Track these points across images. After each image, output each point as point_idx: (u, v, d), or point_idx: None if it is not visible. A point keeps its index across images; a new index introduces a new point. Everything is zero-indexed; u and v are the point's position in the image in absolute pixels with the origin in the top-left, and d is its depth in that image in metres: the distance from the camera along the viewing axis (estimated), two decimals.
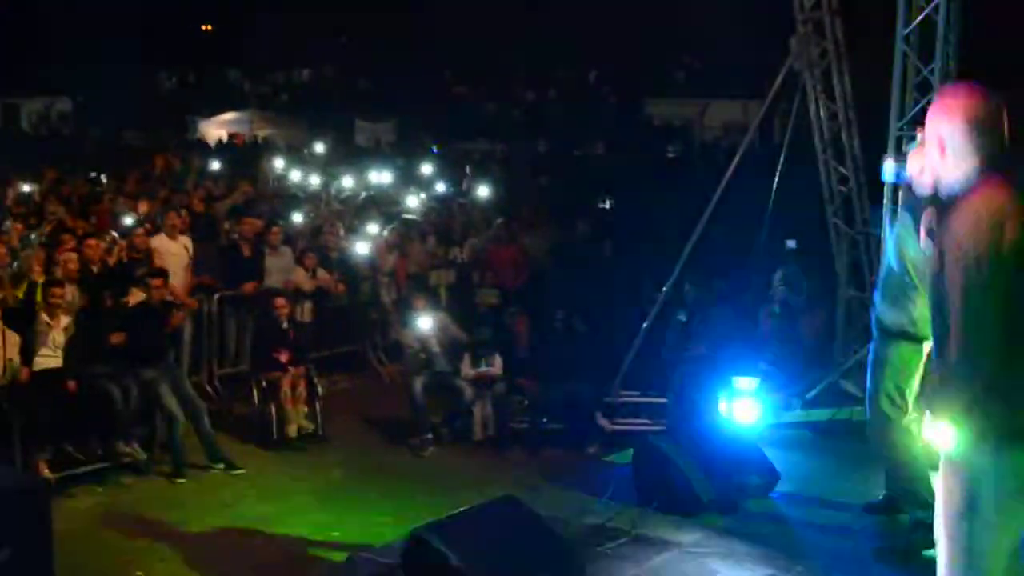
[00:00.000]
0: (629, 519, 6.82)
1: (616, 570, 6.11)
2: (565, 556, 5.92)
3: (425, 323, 12.62)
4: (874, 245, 10.61)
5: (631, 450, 7.72)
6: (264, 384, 11.88)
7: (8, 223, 14.69)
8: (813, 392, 10.12)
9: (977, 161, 3.85)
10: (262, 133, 37.87)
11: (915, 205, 5.56)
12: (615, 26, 34.34)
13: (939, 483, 3.94)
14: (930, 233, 4.32)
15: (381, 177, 24.68)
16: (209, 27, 48.88)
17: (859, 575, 6.19)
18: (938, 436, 3.85)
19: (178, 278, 12.55)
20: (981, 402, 3.67)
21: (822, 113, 11.11)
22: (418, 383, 12.21)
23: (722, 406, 8.72)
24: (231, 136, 37.04)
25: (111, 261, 12.65)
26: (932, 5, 9.30)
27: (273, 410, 11.71)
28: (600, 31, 34.84)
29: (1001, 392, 3.65)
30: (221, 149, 33.50)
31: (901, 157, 5.29)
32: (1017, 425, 3.64)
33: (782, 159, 11.89)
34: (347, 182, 23.48)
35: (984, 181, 3.81)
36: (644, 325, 12.03)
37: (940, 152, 3.91)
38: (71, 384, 10.32)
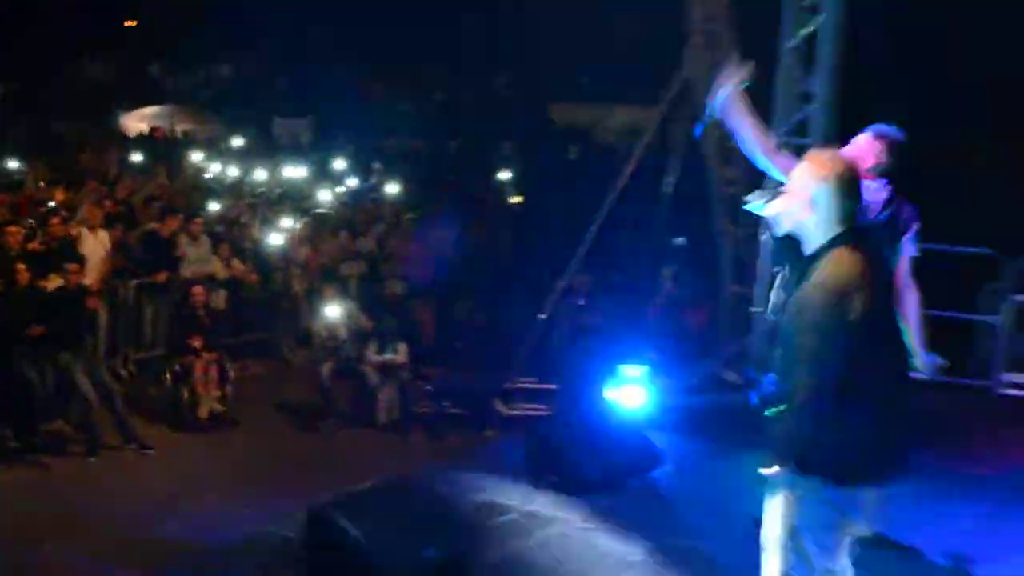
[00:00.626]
0: (520, 497, 6.92)
1: (506, 544, 6.20)
2: (458, 530, 5.99)
3: (334, 312, 12.65)
4: (757, 244, 10.80)
5: (525, 431, 7.83)
6: (177, 368, 11.81)
7: None
8: (696, 379, 10.31)
9: (838, 225, 4.02)
10: (182, 128, 37.42)
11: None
12: (523, 32, 34.43)
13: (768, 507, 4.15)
14: (784, 284, 4.46)
15: (295, 172, 24.57)
16: (133, 22, 48.07)
17: (735, 548, 6.32)
18: (771, 465, 4.01)
19: (95, 270, 12.42)
20: (812, 441, 3.89)
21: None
22: (326, 369, 12.25)
23: (610, 392, 8.87)
24: (152, 130, 36.54)
25: (30, 247, 12.46)
26: (814, 22, 9.52)
27: (186, 393, 11.66)
28: (509, 37, 34.92)
29: (830, 435, 3.86)
30: (142, 142, 33.07)
31: (766, 194, 5.41)
32: (840, 463, 3.85)
33: (676, 162, 12.12)
34: (262, 176, 23.32)
35: (843, 244, 3.98)
36: (541, 316, 12.16)
37: (807, 209, 4.06)
38: None
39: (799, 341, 3.93)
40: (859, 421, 3.88)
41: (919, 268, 4.95)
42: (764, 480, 4.15)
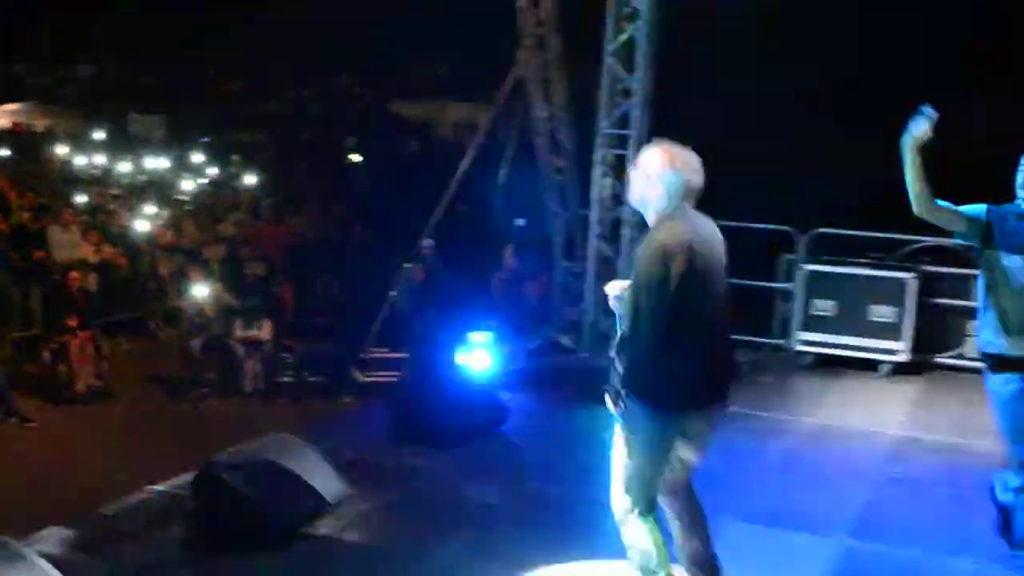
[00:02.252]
0: (386, 452, 7.02)
1: (373, 493, 6.28)
2: (331, 481, 6.05)
3: (200, 292, 12.53)
4: (586, 225, 11.01)
5: (383, 394, 7.91)
6: (55, 346, 11.58)
7: None
8: (535, 344, 10.53)
9: (671, 200, 4.33)
10: (43, 123, 36.14)
11: None
12: (366, 32, 34.25)
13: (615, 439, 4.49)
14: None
15: (158, 163, 24.05)
16: None
17: (575, 488, 6.53)
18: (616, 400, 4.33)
19: None
20: (645, 376, 4.22)
21: (542, 114, 11.48)
22: (195, 344, 12.15)
23: (461, 357, 9.03)
24: (13, 125, 35.18)
25: None
26: (633, 26, 9.80)
27: (63, 369, 11.44)
28: (353, 37, 34.70)
29: (660, 370, 4.20)
30: (4, 137, 31.84)
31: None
32: (668, 393, 4.21)
33: (510, 153, 12.31)
34: (127, 168, 22.77)
35: (672, 216, 4.31)
36: (392, 293, 12.26)
37: (652, 188, 4.36)
38: None
39: (635, 296, 4.23)
40: (682, 360, 4.18)
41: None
42: (610, 417, 4.42)
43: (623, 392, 4.26)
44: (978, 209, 4.98)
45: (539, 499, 6.33)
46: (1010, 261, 4.92)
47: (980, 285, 5.08)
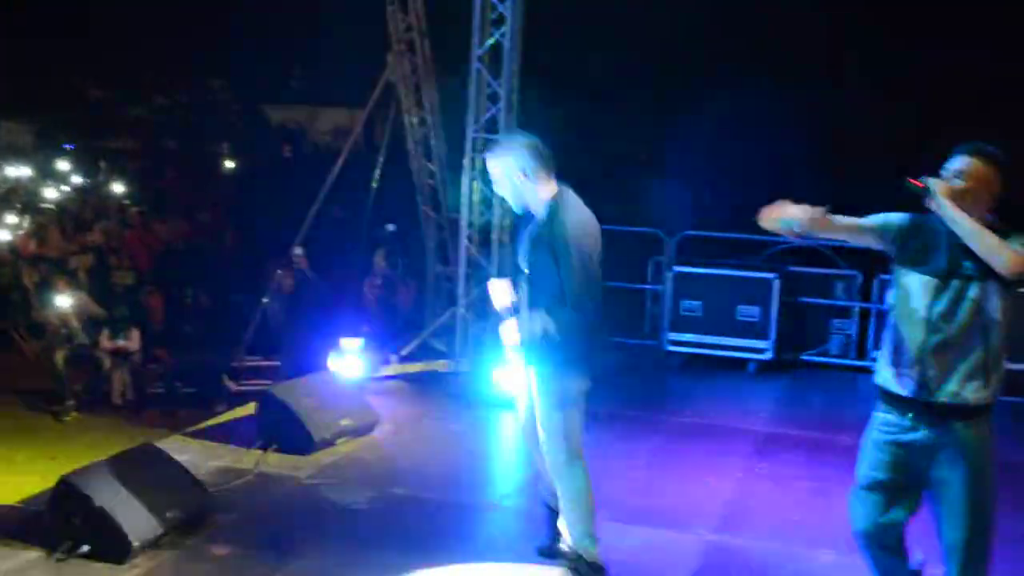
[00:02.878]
0: (253, 460, 6.92)
1: (242, 504, 6.19)
2: (196, 493, 5.95)
3: (65, 302, 12.20)
4: (457, 229, 11.04)
5: (254, 403, 7.80)
6: None
7: None
8: (407, 349, 10.50)
9: (545, 173, 4.79)
10: None
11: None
12: (236, 38, 33.81)
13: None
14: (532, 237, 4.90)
15: (20, 171, 23.33)
16: None
17: (444, 495, 6.54)
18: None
19: None
20: (586, 346, 4.79)
21: (413, 119, 11.47)
22: (60, 356, 11.82)
23: (330, 362, 8.97)
24: None
25: None
26: (500, 32, 9.85)
27: None
28: (223, 42, 34.22)
29: (594, 340, 4.84)
30: None
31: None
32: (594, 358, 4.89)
33: (381, 158, 12.28)
34: None
35: (557, 187, 4.82)
36: (263, 300, 12.12)
37: (521, 178, 4.78)
38: None
39: (567, 273, 4.65)
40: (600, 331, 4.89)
41: None
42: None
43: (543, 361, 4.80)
44: (891, 218, 4.25)
45: (406, 507, 6.30)
46: (909, 280, 4.16)
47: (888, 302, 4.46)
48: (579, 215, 4.80)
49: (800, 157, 16.36)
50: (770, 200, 4.19)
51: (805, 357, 11.15)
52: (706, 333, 10.92)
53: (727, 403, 9.68)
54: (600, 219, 4.92)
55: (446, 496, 6.48)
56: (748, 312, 10.84)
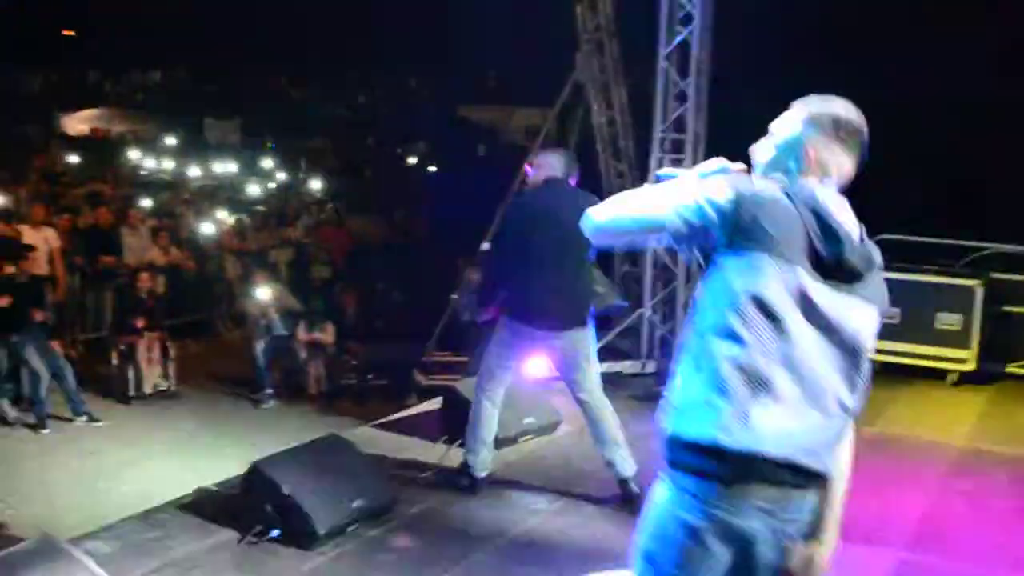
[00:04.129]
0: (438, 454, 7.01)
1: (426, 498, 6.28)
2: (381, 484, 6.06)
3: (265, 294, 12.64)
4: None
5: (440, 397, 7.90)
6: (123, 347, 11.75)
7: None
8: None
9: None
10: (119, 128, 36.83)
11: None
12: (436, 39, 34.51)
13: None
14: None
15: (227, 168, 24.36)
16: (71, 32, 47.08)
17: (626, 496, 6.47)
18: None
19: (41, 260, 12.17)
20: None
21: (602, 119, 11.44)
22: (259, 346, 12.24)
23: None
24: (91, 131, 35.92)
25: None
26: (687, 30, 9.71)
27: (131, 370, 11.60)
28: (421, 42, 34.98)
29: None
30: (82, 142, 32.50)
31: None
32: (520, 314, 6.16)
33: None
34: (197, 172, 23.09)
35: None
36: (453, 296, 12.27)
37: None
38: None
39: None
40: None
41: None
42: None
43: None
44: None
45: (587, 507, 6.27)
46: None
47: None
48: None
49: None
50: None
51: (1011, 369, 10.59)
52: (903, 341, 10.49)
53: (923, 415, 9.27)
54: None
55: (615, 501, 6.41)
56: (948, 320, 10.37)
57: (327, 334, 12.49)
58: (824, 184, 2.83)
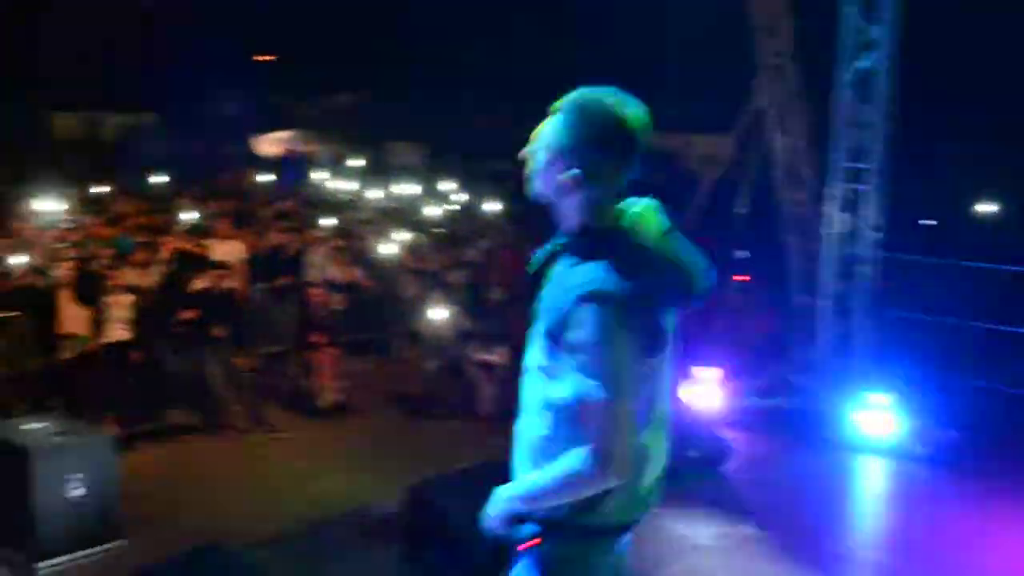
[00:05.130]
0: None
1: None
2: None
3: (441, 315, 12.78)
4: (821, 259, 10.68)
5: None
6: (301, 361, 12.06)
7: (85, 217, 14.91)
8: (762, 382, 10.23)
9: None
10: (306, 149, 38.02)
11: None
12: (614, 65, 34.57)
13: None
14: None
15: (406, 189, 24.82)
16: (269, 57, 49.00)
17: (795, 537, 6.30)
18: None
19: (227, 278, 12.62)
20: None
21: (780, 146, 11.21)
22: (433, 366, 12.37)
23: (685, 391, 8.88)
24: (281, 151, 37.22)
25: (180, 251, 12.78)
26: (870, 57, 9.44)
27: (308, 383, 11.90)
28: (603, 69, 35.08)
29: None
30: (272, 162, 33.72)
31: None
32: None
33: (748, 185, 12.07)
34: (378, 192, 23.60)
35: None
36: None
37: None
38: (135, 355, 10.53)
39: None
40: None
41: None
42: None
43: None
44: None
45: (753, 547, 6.11)
46: None
47: None
48: None
49: None
50: None
51: None
52: None
53: None
54: None
55: (792, 541, 6.23)
56: None
57: (500, 356, 12.54)
58: None
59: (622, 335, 2.84)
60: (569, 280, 3.01)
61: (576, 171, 3.09)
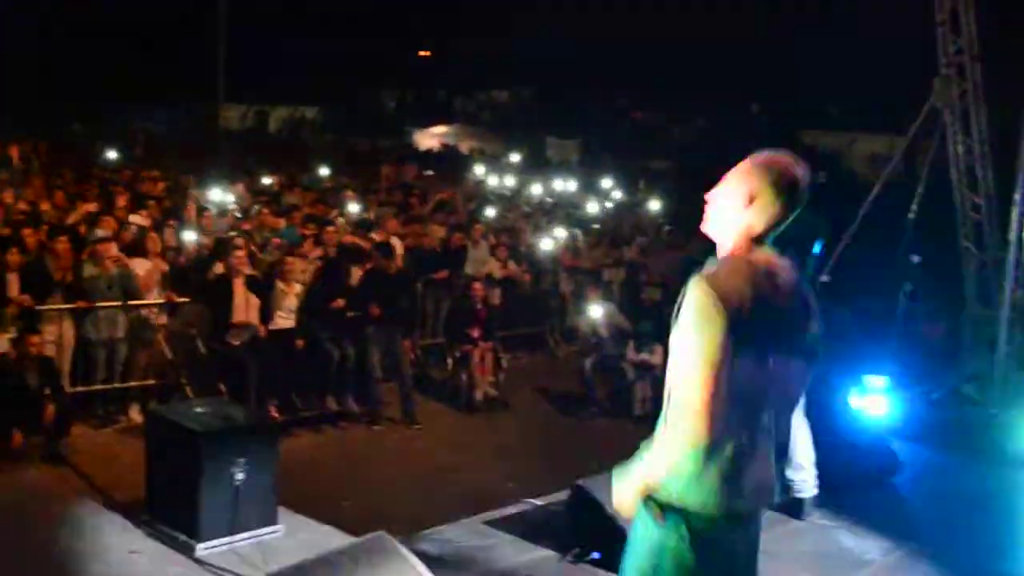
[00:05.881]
0: None
1: None
2: None
3: (597, 312, 12.69)
4: (1001, 267, 10.24)
5: None
6: (458, 355, 12.12)
7: (256, 207, 15.27)
8: (937, 393, 9.84)
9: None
10: (465, 144, 38.38)
11: None
12: (775, 62, 34.00)
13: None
14: None
15: (566, 186, 24.75)
16: (427, 53, 49.74)
17: (966, 554, 6.01)
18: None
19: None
20: None
21: (959, 148, 10.76)
22: (588, 363, 12.29)
23: (854, 400, 8.56)
24: (441, 146, 37.68)
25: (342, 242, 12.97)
26: None
27: (464, 377, 11.95)
28: (763, 67, 34.57)
29: None
30: (432, 156, 34.14)
31: None
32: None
33: (921, 188, 11.60)
34: (537, 189, 23.60)
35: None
36: None
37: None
38: (299, 343, 10.72)
39: None
40: None
41: None
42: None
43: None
44: None
45: (921, 563, 5.83)
46: None
47: None
48: None
49: None
50: None
51: None
52: None
53: None
54: None
55: (962, 560, 5.90)
56: None
57: (656, 356, 12.37)
58: None
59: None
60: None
61: (751, 221, 3.35)
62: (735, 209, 3.39)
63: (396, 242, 13.25)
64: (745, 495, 3.25)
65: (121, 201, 14.14)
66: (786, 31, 34.19)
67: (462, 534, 5.80)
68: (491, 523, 6.08)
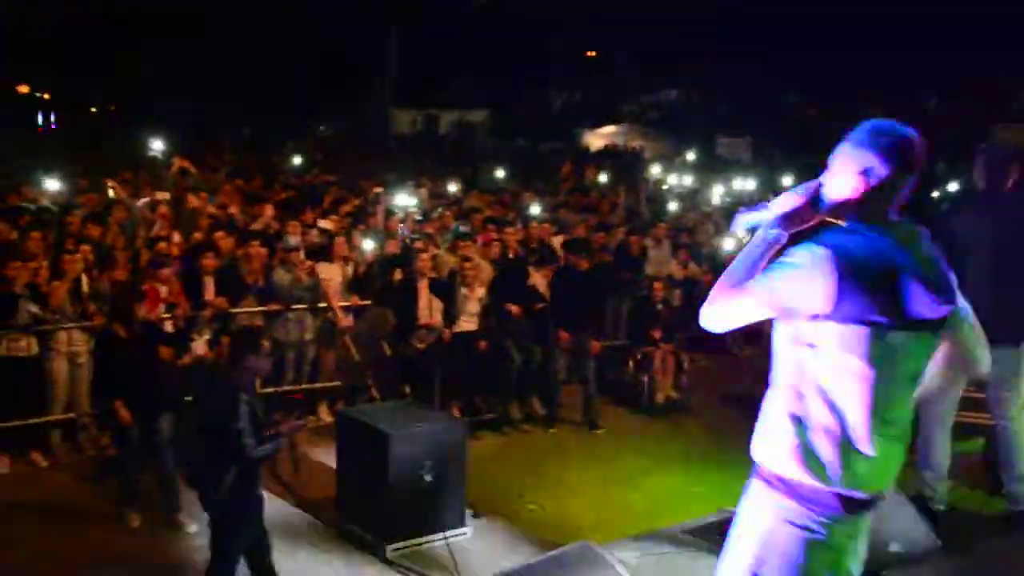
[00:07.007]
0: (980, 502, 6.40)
1: (964, 545, 5.73)
2: (920, 528, 5.60)
3: None
4: None
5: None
6: (639, 356, 11.97)
7: (439, 210, 15.40)
8: None
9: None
10: (635, 144, 38.14)
11: None
12: (955, 55, 32.79)
13: None
14: None
15: (745, 185, 24.31)
16: (594, 54, 49.65)
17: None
18: None
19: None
20: None
21: None
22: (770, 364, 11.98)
23: None
24: (612, 146, 37.53)
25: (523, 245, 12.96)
26: None
27: (645, 379, 11.79)
28: (938, 58, 33.43)
29: None
30: (603, 156, 34.02)
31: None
32: None
33: None
34: (719, 188, 23.21)
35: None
36: None
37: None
38: (482, 345, 10.74)
39: None
40: None
41: None
42: None
43: None
44: None
45: None
46: None
47: None
48: None
49: None
50: None
51: None
52: None
53: None
54: None
55: None
56: None
57: None
58: None
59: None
60: None
61: (866, 182, 3.27)
62: (849, 183, 3.30)
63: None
64: None
65: (310, 207, 14.42)
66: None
67: (661, 543, 5.64)
68: (690, 531, 5.90)
